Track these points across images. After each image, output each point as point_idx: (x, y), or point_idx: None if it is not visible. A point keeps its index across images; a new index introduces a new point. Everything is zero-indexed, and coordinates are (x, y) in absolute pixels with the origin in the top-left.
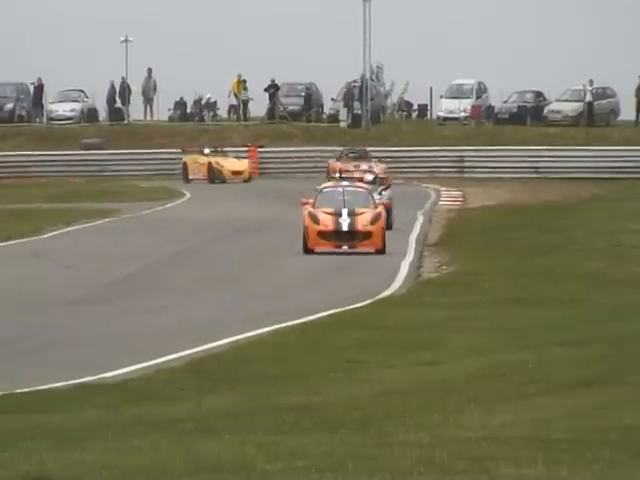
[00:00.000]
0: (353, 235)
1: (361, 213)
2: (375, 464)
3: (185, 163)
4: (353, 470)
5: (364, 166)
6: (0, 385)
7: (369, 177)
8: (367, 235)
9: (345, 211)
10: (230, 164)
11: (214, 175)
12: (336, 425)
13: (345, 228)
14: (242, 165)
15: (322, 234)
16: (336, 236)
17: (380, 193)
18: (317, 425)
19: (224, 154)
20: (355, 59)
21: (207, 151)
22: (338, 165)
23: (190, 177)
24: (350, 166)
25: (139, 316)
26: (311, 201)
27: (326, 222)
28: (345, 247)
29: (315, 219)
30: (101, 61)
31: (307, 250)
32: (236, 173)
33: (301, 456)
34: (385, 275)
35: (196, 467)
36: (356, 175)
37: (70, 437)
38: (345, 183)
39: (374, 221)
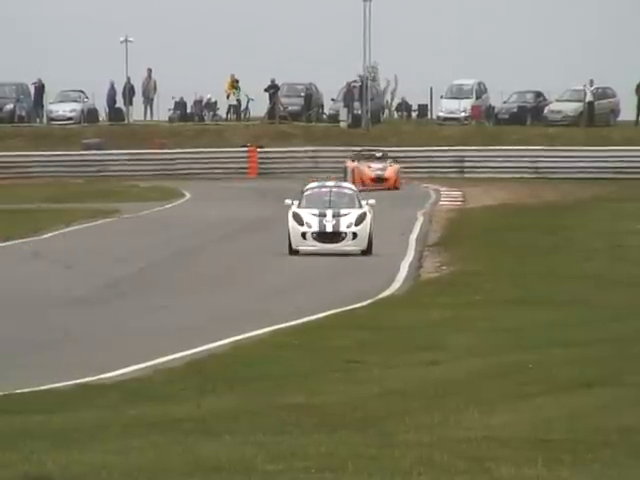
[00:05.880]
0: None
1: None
2: (375, 464)
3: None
4: (353, 470)
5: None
6: (0, 385)
7: None
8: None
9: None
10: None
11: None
12: (336, 425)
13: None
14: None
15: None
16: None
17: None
18: (317, 425)
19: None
20: (355, 59)
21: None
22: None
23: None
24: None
25: (139, 316)
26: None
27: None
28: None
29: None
30: (101, 61)
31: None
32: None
33: (301, 456)
34: (385, 275)
35: (196, 467)
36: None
37: (70, 437)
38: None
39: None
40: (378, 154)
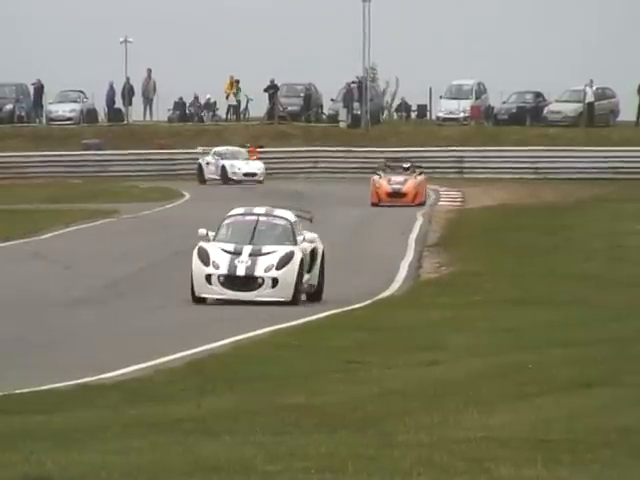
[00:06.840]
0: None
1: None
2: (375, 464)
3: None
4: (353, 471)
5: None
6: (0, 385)
7: None
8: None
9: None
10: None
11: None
12: (336, 425)
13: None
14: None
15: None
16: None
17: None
18: (317, 425)
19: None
20: (355, 59)
21: None
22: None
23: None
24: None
25: (138, 316)
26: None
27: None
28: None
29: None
30: (100, 61)
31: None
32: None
33: (301, 457)
34: (384, 275)
35: (196, 467)
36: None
37: (70, 437)
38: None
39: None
40: (405, 164)
